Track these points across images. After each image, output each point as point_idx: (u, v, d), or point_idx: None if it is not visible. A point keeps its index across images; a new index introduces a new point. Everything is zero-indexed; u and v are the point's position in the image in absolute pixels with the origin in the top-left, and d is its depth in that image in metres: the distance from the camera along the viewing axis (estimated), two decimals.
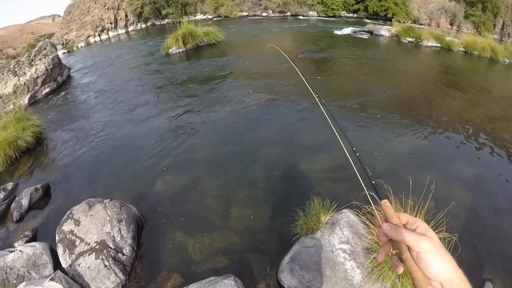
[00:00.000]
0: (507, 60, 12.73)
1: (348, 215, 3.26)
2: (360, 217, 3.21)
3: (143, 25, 19.40)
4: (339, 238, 3.00)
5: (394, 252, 0.78)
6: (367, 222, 3.11)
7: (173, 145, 5.32)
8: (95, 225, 3.32)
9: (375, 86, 8.09)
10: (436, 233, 2.46)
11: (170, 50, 10.98)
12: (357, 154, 1.07)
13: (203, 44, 11.49)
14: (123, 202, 3.71)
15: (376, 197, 0.84)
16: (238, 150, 5.13)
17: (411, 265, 0.70)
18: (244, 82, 8.08)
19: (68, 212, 3.50)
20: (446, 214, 2.87)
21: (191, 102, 7.01)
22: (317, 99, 1.65)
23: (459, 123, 6.33)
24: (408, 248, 0.71)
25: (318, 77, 8.46)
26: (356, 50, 11.74)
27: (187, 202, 4.06)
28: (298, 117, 6.20)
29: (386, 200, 0.80)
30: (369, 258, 2.86)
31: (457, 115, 6.81)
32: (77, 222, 3.36)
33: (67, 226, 3.33)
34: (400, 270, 0.73)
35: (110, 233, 3.26)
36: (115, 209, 3.49)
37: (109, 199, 3.69)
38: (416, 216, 2.82)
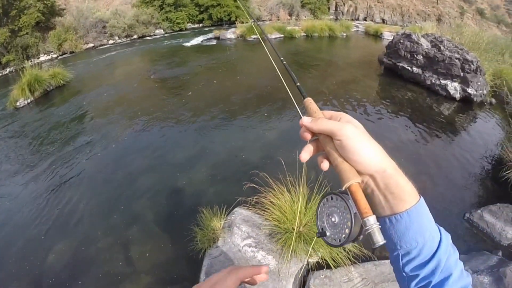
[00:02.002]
0: (344, 34, 15.02)
1: (240, 212, 3.34)
2: (251, 209, 3.34)
3: None
4: (240, 236, 3.05)
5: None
6: (259, 212, 3.24)
7: (48, 211, 4.59)
8: None
9: (232, 88, 8.56)
10: (322, 194, 2.67)
11: (18, 103, 9.43)
12: (284, 62, 0.99)
13: (52, 88, 10.27)
14: None
15: (301, 96, 0.78)
16: (115, 190, 4.79)
17: (335, 157, 0.59)
18: (102, 117, 7.56)
19: None
20: (324, 177, 3.13)
21: (53, 156, 6.12)
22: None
23: (316, 95, 7.13)
24: (332, 139, 0.60)
25: (175, 98, 8.35)
26: (207, 57, 12.17)
27: (85, 263, 3.61)
28: (164, 139, 6.12)
29: (309, 98, 0.73)
30: (274, 241, 2.96)
31: (313, 89, 7.65)
32: None
33: None
34: (325, 165, 0.61)
35: None
36: None
37: None
38: (300, 189, 3.07)
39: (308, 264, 2.96)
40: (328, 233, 0.60)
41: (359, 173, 0.57)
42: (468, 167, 4.79)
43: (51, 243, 4.01)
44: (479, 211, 3.71)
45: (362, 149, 0.56)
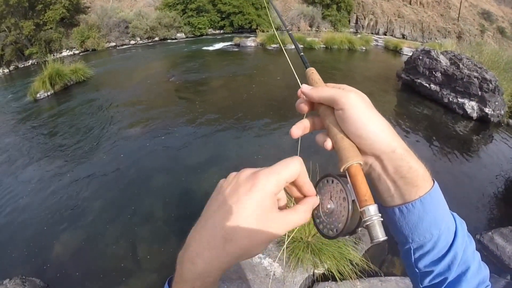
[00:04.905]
0: (363, 48, 14.98)
1: None
2: None
3: (6, 70, 16.92)
4: None
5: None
6: None
7: (61, 203, 4.70)
8: None
9: (251, 94, 8.63)
10: (319, 177, 2.76)
11: (38, 95, 9.71)
12: (288, 30, 0.94)
13: (72, 82, 10.56)
14: (24, 277, 3.24)
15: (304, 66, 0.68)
16: (128, 188, 4.86)
17: (335, 133, 0.49)
18: (120, 116, 7.71)
19: None
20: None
21: (68, 149, 6.30)
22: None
23: None
24: (333, 111, 0.51)
25: (193, 102, 8.44)
26: (227, 63, 12.29)
27: (92, 257, 3.67)
28: (179, 141, 6.18)
29: (312, 68, 0.64)
30: (281, 250, 2.98)
31: None
32: None
33: None
34: (328, 144, 0.51)
35: None
36: None
37: (8, 279, 3.20)
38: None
39: (314, 274, 2.97)
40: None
41: (363, 153, 0.49)
42: (481, 187, 4.73)
43: (61, 234, 4.09)
44: (489, 233, 3.65)
45: (368, 122, 0.47)
